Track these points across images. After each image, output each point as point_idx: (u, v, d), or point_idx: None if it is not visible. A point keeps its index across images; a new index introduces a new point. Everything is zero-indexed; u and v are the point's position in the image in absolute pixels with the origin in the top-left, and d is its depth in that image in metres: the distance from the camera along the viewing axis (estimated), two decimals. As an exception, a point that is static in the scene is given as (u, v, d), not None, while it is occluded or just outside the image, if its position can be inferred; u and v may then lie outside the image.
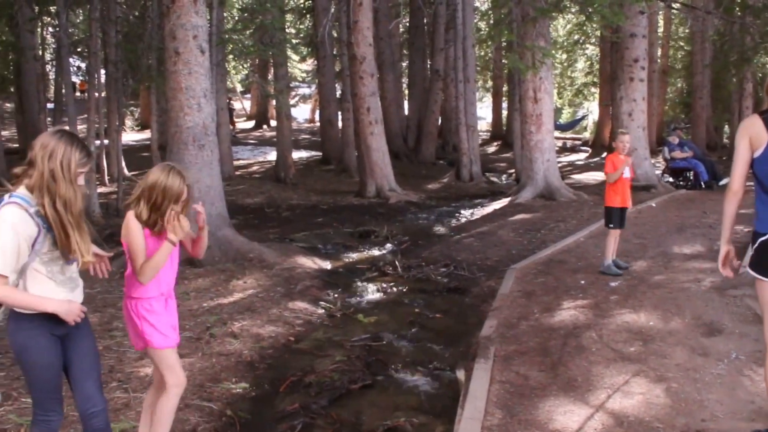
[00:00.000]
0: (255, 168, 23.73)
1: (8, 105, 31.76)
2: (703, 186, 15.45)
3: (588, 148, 31.53)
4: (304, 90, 44.18)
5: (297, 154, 25.04)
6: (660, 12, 28.40)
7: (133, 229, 3.49)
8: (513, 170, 22.34)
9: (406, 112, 29.05)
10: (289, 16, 28.75)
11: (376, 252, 10.82)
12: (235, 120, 36.25)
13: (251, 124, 39.22)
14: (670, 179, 16.52)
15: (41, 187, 2.96)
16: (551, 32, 21.45)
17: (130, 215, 3.51)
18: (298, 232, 12.41)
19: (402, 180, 18.12)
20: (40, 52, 24.26)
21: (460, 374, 5.47)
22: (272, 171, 20.96)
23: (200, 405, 4.88)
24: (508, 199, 15.24)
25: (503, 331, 6.15)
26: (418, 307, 7.72)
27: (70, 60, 22.66)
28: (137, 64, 17.03)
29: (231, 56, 23.95)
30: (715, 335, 5.57)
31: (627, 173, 7.90)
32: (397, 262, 9.59)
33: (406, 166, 22.99)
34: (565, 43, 30.98)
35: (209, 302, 7.47)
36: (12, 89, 22.79)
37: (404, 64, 32.80)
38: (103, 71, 18.02)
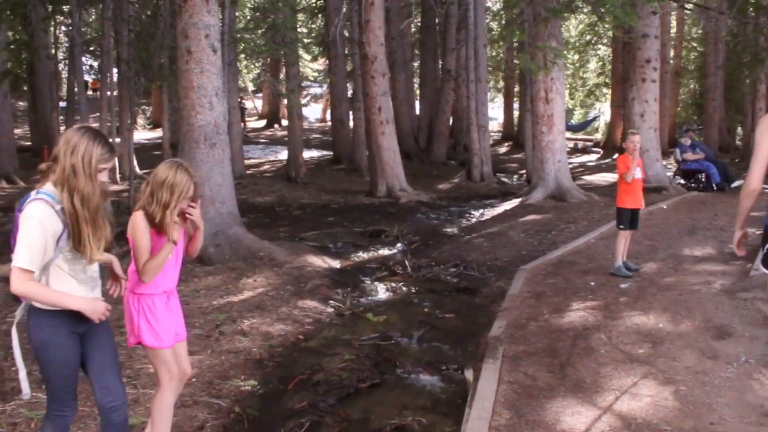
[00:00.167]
0: (266, 167, 23.79)
1: (21, 103, 31.96)
2: (715, 188, 15.38)
3: (599, 150, 31.40)
4: (316, 89, 44.18)
5: (308, 154, 25.09)
6: (673, 12, 28.25)
7: (139, 227, 3.51)
8: (524, 171, 22.30)
9: (418, 112, 29.04)
10: (300, 16, 28.80)
11: (386, 251, 10.83)
12: (247, 119, 36.34)
13: (263, 123, 39.32)
14: (682, 181, 16.44)
15: (62, 182, 2.98)
16: (563, 32, 21.41)
17: (138, 213, 3.53)
18: (308, 231, 12.44)
19: (413, 180, 18.12)
20: (53, 51, 24.35)
21: (469, 374, 5.47)
22: (283, 170, 21.01)
23: (209, 402, 4.91)
24: (519, 199, 15.22)
25: (512, 332, 6.14)
26: (428, 306, 7.72)
27: (83, 59, 22.85)
28: (149, 63, 17.13)
29: (243, 55, 24.05)
30: (724, 338, 5.55)
31: (638, 174, 7.88)
32: (406, 262, 9.59)
33: (417, 166, 22.99)
34: (577, 44, 30.89)
35: (219, 300, 7.51)
36: (25, 88, 22.94)
37: (416, 64, 32.79)
38: (115, 70, 18.15)
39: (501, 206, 15.03)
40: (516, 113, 34.44)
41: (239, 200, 11.03)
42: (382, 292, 8.46)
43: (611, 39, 27.43)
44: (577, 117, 43.76)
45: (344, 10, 19.81)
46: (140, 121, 32.31)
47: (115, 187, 16.25)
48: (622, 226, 7.89)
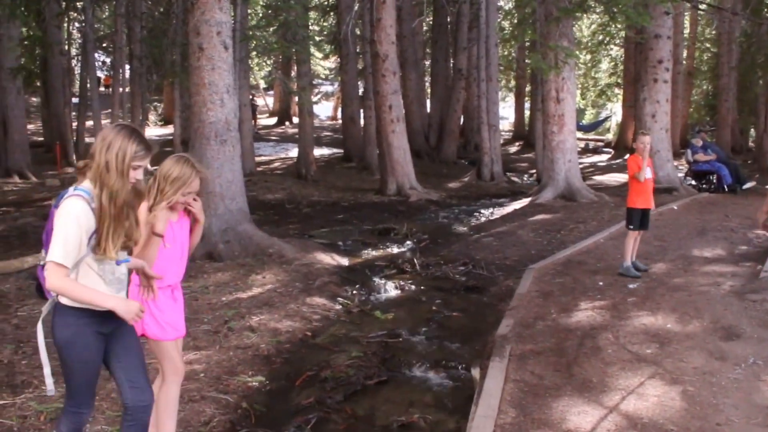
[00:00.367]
0: (277, 164, 23.84)
1: (34, 99, 32.15)
2: (726, 189, 15.29)
3: (611, 150, 31.29)
4: (327, 87, 44.26)
5: (319, 151, 25.13)
6: (686, 13, 28.12)
7: (141, 221, 3.53)
8: (534, 170, 22.26)
9: (429, 110, 29.03)
10: (312, 14, 28.82)
11: (395, 249, 10.85)
12: (258, 116, 36.41)
13: (274, 120, 39.38)
14: (693, 182, 16.36)
15: (96, 178, 3.00)
16: (575, 32, 21.34)
17: (143, 206, 3.55)
18: (318, 228, 12.47)
19: (423, 178, 18.13)
20: (66, 47, 24.53)
21: (475, 372, 5.48)
22: (294, 167, 21.05)
23: (216, 397, 4.94)
24: (529, 199, 15.19)
25: (520, 331, 6.15)
26: (436, 305, 7.73)
27: (96, 55, 22.95)
28: (161, 60, 17.22)
29: (254, 53, 24.08)
30: (733, 339, 5.53)
31: (649, 174, 7.86)
32: (415, 260, 9.60)
33: (427, 165, 22.99)
34: (590, 44, 30.78)
35: (228, 296, 7.54)
36: (38, 83, 23.07)
37: (427, 63, 32.77)
38: (127, 66, 18.25)
39: (511, 205, 15.02)
40: (527, 113, 34.37)
41: (249, 197, 11.07)
42: (390, 289, 8.47)
43: (624, 39, 27.30)
44: (588, 117, 43.61)
45: (356, 8, 19.80)
46: (152, 117, 32.44)
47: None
48: (631, 227, 7.88)
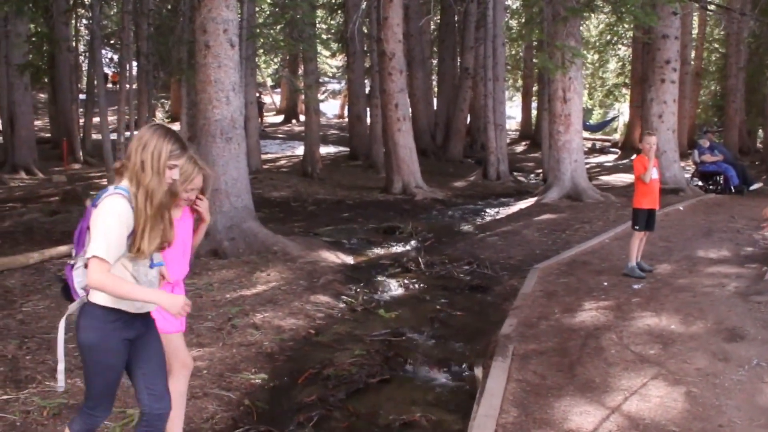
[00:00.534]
0: (282, 162, 23.88)
1: (42, 95, 32.27)
2: (733, 191, 15.23)
3: (617, 150, 31.22)
4: (334, 86, 44.29)
5: (325, 149, 25.14)
6: (695, 13, 28.03)
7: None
8: (540, 170, 22.24)
9: (435, 109, 29.02)
10: (319, 12, 28.86)
11: (399, 248, 10.85)
12: (264, 114, 36.45)
13: (280, 118, 39.43)
14: (700, 183, 16.30)
15: (132, 177, 3.00)
16: (583, 32, 21.30)
17: None
18: (323, 226, 12.49)
19: (429, 177, 18.13)
20: (74, 44, 24.61)
21: (478, 372, 5.48)
22: (299, 165, 21.08)
23: (219, 394, 4.95)
24: (535, 198, 15.18)
25: (523, 330, 6.14)
26: (439, 304, 7.73)
27: (103, 52, 23.02)
28: (168, 57, 17.26)
29: (261, 50, 24.12)
30: (736, 341, 5.51)
31: (655, 174, 7.84)
32: (420, 259, 9.60)
33: (433, 164, 22.99)
34: (597, 44, 30.70)
35: (232, 293, 7.56)
36: (46, 80, 23.17)
37: (434, 62, 32.76)
38: (134, 63, 18.28)
39: (516, 205, 15.01)
40: (534, 112, 34.32)
41: (255, 195, 11.09)
42: (394, 288, 8.48)
43: (631, 39, 27.24)
44: (596, 117, 43.53)
45: (363, 6, 19.80)
46: (159, 114, 32.48)
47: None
48: (637, 227, 7.86)
